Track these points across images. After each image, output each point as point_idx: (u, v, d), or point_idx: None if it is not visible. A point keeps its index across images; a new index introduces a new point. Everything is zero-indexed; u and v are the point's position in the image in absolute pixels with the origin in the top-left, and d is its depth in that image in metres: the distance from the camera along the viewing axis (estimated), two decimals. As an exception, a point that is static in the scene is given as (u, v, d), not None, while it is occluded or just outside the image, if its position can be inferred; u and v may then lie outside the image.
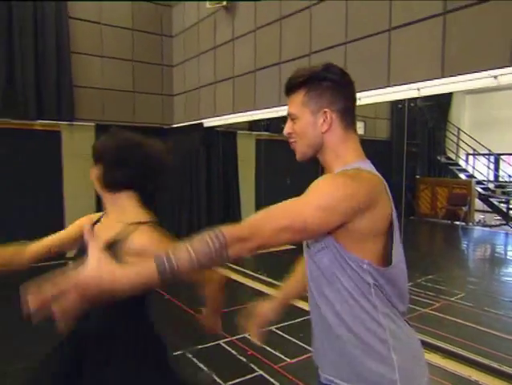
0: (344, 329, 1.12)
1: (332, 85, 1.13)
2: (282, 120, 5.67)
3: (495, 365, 3.07)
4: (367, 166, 1.16)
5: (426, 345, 3.47)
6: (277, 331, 3.87)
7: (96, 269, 0.94)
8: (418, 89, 3.47)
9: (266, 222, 1.00)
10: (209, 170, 6.21)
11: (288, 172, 7.95)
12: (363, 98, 3.92)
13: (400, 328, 1.14)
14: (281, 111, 4.83)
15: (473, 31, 3.06)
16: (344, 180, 1.05)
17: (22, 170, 5.91)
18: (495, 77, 3.02)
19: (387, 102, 3.91)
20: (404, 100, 3.82)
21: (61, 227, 5.83)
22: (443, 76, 3.22)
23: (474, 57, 3.08)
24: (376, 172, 1.14)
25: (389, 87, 3.66)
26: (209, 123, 6.08)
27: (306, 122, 1.14)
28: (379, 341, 1.10)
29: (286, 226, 1.00)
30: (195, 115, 6.44)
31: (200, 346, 3.44)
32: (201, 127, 6.16)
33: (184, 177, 6.51)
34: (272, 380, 3.02)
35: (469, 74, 3.12)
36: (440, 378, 3.01)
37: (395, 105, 8.69)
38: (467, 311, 4.33)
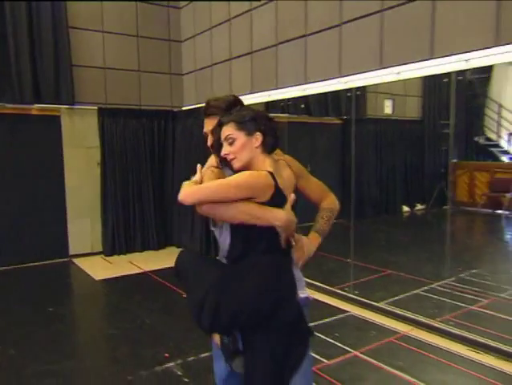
0: None
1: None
2: (304, 100, 5.63)
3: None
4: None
5: (477, 344, 3.52)
6: (311, 331, 3.93)
7: None
8: (467, 60, 3.46)
9: None
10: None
11: (309, 157, 7.98)
12: (404, 72, 3.92)
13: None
14: (309, 89, 4.85)
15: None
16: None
17: (21, 158, 6.01)
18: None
19: (429, 76, 3.91)
20: (450, 74, 3.81)
21: (63, 216, 6.05)
22: (497, 45, 3.21)
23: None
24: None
25: (433, 59, 3.65)
26: (224, 104, 6.10)
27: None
28: None
29: None
30: (208, 96, 6.45)
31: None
32: (215, 108, 6.18)
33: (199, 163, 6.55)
34: (312, 383, 3.09)
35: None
36: (494, 379, 3.06)
37: (427, 81, 8.65)
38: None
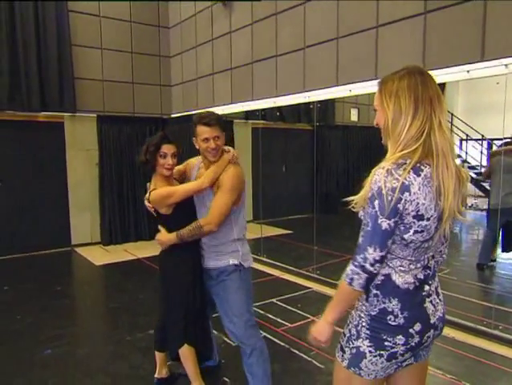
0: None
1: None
2: (279, 108, 6.21)
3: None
4: None
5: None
6: (278, 303, 4.51)
7: None
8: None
9: None
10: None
11: (284, 159, 8.57)
12: (355, 89, 4.53)
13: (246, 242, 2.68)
14: (279, 101, 5.42)
15: (449, 30, 3.67)
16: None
17: (29, 159, 6.51)
18: (468, 71, 3.63)
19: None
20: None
21: (66, 215, 6.51)
22: (423, 70, 3.82)
23: (450, 53, 3.69)
24: None
25: (376, 79, 4.25)
26: (207, 112, 6.63)
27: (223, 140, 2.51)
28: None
29: None
30: (193, 105, 7.01)
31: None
32: (199, 116, 6.71)
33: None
34: (275, 339, 3.66)
35: (445, 69, 3.73)
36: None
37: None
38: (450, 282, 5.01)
